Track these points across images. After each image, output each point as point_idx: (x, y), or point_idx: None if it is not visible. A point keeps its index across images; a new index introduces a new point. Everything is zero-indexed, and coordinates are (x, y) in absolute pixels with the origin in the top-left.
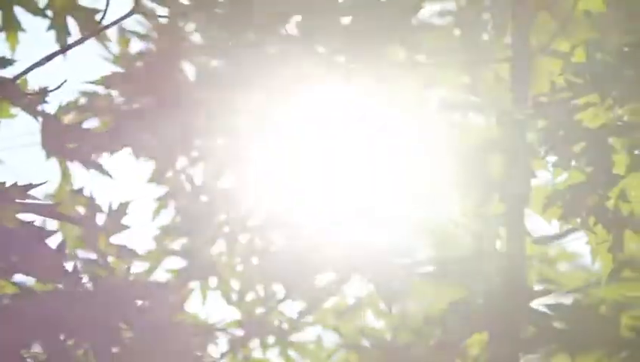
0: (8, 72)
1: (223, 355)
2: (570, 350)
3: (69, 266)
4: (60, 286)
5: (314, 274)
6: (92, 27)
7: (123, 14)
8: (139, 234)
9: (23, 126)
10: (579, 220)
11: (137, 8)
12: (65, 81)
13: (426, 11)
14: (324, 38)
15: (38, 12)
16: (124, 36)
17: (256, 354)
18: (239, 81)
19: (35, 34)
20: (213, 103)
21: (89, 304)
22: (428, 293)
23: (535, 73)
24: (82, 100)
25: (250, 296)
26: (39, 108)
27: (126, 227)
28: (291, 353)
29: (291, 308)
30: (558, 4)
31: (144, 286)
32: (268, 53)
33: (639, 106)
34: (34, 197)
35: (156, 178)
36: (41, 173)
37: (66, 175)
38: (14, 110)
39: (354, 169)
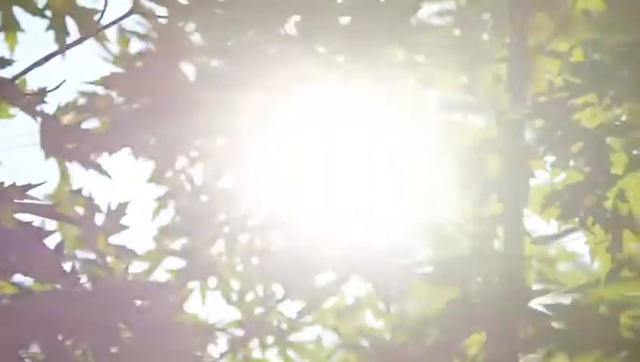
0: (7, 72)
1: (222, 355)
2: (569, 350)
3: (67, 266)
4: (59, 286)
5: (313, 274)
6: (91, 27)
7: (122, 14)
8: (138, 234)
9: (22, 126)
10: (577, 220)
11: (136, 8)
12: (64, 81)
13: (425, 11)
14: (324, 38)
15: (37, 12)
16: (124, 36)
17: (256, 354)
18: (239, 81)
19: (34, 34)
20: (213, 103)
21: (88, 304)
22: (427, 293)
23: (533, 73)
24: (81, 100)
25: (249, 296)
26: (38, 108)
27: (125, 227)
28: (290, 353)
29: (290, 308)
30: (556, 4)
31: (143, 286)
32: (267, 53)
33: (637, 106)
34: (33, 198)
35: (156, 178)
36: (40, 173)
37: (64, 175)
38: (13, 110)
39: (353, 169)
